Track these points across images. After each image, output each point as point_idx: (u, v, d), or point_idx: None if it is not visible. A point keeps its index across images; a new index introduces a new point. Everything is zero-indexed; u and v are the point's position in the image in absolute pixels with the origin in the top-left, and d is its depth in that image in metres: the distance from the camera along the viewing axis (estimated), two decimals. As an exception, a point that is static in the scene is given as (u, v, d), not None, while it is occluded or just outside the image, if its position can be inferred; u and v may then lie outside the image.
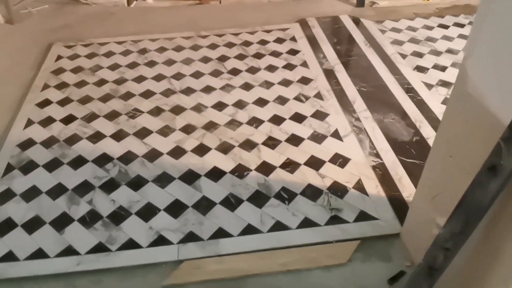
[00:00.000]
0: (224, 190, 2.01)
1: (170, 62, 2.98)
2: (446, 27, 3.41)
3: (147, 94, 2.66)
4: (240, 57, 3.04)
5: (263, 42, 3.21)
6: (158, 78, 2.81)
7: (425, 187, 1.56)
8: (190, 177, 2.09)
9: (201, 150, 2.24)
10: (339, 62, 2.96)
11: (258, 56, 3.05)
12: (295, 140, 2.30)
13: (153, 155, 2.22)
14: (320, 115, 2.47)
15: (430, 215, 1.53)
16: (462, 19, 3.52)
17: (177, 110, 2.53)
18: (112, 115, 2.49)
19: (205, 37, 3.28)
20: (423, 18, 3.54)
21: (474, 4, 3.76)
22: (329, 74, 2.83)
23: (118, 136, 2.34)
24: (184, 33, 3.33)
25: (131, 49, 3.13)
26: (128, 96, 2.65)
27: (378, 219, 1.87)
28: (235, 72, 2.87)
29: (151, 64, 2.96)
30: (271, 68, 2.91)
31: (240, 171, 2.11)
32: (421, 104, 2.56)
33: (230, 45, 3.18)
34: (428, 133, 2.34)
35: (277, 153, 2.21)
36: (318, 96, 2.63)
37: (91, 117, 2.47)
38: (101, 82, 2.78)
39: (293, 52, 3.09)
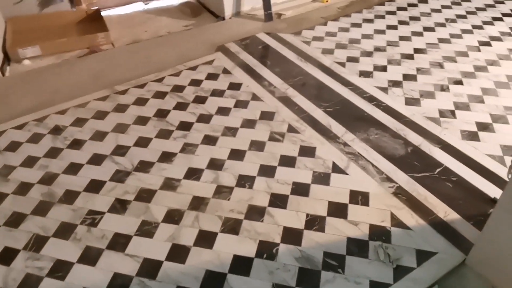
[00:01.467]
0: (265, 283, 1.62)
1: (100, 135, 2.37)
2: (359, 25, 3.46)
3: (95, 186, 2.05)
4: (181, 106, 2.59)
5: (195, 83, 2.81)
6: (97, 160, 2.21)
7: (511, 210, 1.44)
8: (213, 281, 1.64)
9: (205, 239, 1.80)
10: (288, 86, 2.73)
11: (200, 100, 2.64)
12: (301, 189, 2.01)
13: (150, 268, 1.69)
14: (307, 151, 2.22)
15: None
16: (367, 14, 3.63)
17: (145, 195, 2.00)
18: (65, 230, 1.84)
19: (124, 92, 2.73)
20: (333, 21, 3.54)
21: (368, -2, 3.93)
22: (287, 102, 2.60)
23: (88, 257, 1.73)
24: (96, 93, 2.71)
25: (39, 131, 2.41)
26: (70, 196, 2.00)
27: (437, 253, 1.72)
28: (185, 126, 2.43)
29: (76, 144, 2.32)
30: (223, 111, 2.54)
31: (266, 250, 1.74)
32: (389, 111, 2.51)
33: (160, 94, 2.70)
34: (416, 139, 2.29)
35: (293, 212, 1.90)
36: (292, 129, 2.37)
37: (37, 243, 1.79)
38: (23, 188, 2.06)
39: (235, 86, 2.76)
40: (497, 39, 3.24)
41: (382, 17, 3.58)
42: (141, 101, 2.64)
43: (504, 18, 3.54)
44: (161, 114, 2.53)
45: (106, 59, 3.13)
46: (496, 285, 1.60)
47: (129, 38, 3.48)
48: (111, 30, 3.43)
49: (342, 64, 2.96)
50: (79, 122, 2.47)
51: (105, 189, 2.03)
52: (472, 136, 2.31)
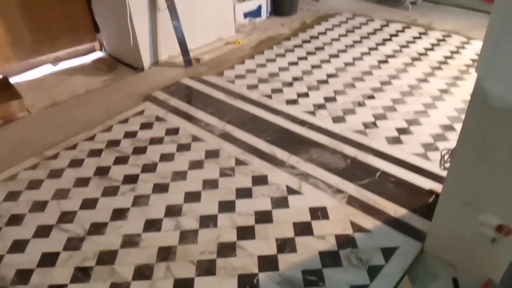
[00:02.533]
0: (255, 314, 1.63)
1: (39, 206, 2.19)
2: (273, 60, 3.73)
3: (49, 260, 1.88)
4: (121, 160, 2.52)
5: (130, 135, 2.76)
6: (43, 232, 2.03)
7: (454, 196, 1.66)
8: (203, 325, 1.60)
9: (183, 287, 1.75)
10: (225, 123, 2.82)
11: (140, 151, 2.60)
12: (264, 217, 2.07)
13: (132, 330, 1.59)
14: (260, 180, 2.30)
15: (465, 217, 1.64)
16: (278, 50, 3.92)
17: (107, 257, 1.89)
18: (24, 316, 1.65)
19: (55, 157, 2.57)
20: (250, 59, 3.76)
21: (274, 35, 4.27)
22: (228, 138, 2.67)
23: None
24: (24, 162, 2.51)
25: (-35, 214, 2.15)
26: (23, 275, 1.81)
27: (398, 247, 1.88)
28: (131, 179, 2.36)
29: (15, 220, 2.11)
30: (167, 157, 2.52)
31: (247, 282, 1.75)
32: (322, 131, 2.72)
33: (95, 152, 2.60)
34: (351, 151, 2.51)
35: (262, 240, 1.94)
36: (240, 162, 2.45)
37: None
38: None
39: (172, 131, 2.77)
40: (392, 56, 3.73)
41: (292, 50, 3.91)
42: (76, 163, 2.51)
43: (392, 38, 4.09)
44: (102, 171, 2.44)
45: (26, 126, 2.94)
46: (454, 262, 1.80)
47: (45, 102, 3.31)
48: (23, 96, 3.23)
49: (269, 96, 3.15)
50: (12, 196, 2.26)
51: (61, 260, 1.88)
52: (396, 141, 2.60)
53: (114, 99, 3.22)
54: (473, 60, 3.56)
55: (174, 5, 3.50)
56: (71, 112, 3.08)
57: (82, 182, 2.36)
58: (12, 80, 3.56)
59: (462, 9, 4.79)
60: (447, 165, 1.78)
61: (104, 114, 3.01)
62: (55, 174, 2.42)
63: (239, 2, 4.50)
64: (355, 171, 2.35)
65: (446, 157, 1.90)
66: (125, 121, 2.92)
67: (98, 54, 4.11)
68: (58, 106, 3.20)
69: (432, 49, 3.82)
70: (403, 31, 4.26)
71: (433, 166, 2.34)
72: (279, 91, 3.22)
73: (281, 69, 3.57)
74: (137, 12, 3.41)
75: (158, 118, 2.92)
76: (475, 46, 3.85)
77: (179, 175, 2.37)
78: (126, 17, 3.39)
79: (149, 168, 2.45)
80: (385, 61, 3.63)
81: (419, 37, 4.09)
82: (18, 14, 3.57)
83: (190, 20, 3.77)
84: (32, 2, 3.59)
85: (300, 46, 4.00)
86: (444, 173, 1.78)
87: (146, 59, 3.65)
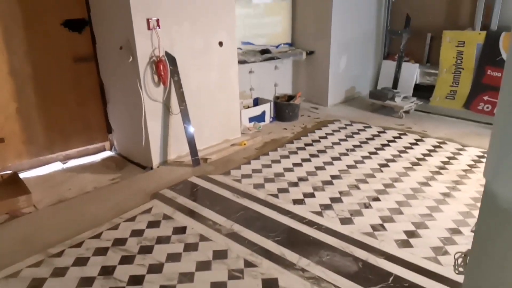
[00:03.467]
0: None
1: (38, 307, 2.09)
2: (278, 161, 3.86)
3: None
4: (126, 260, 2.46)
5: (137, 233, 2.73)
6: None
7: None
8: None
9: None
10: (232, 222, 2.82)
11: (146, 250, 2.55)
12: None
13: None
14: (270, 284, 2.23)
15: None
16: (282, 152, 4.09)
17: None
18: None
19: (60, 255, 2.51)
20: (255, 160, 3.90)
21: (278, 138, 4.48)
22: (236, 238, 2.65)
23: None
24: (28, 259, 2.44)
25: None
26: None
27: None
28: (136, 280, 2.28)
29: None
30: (173, 257, 2.47)
31: None
32: (330, 232, 2.71)
33: (100, 251, 2.54)
34: (362, 254, 2.48)
35: None
36: (248, 264, 2.39)
37: None
38: None
39: (180, 230, 2.75)
40: (392, 160, 3.88)
41: (295, 152, 4.07)
42: (81, 261, 2.45)
43: (390, 143, 4.30)
44: (107, 271, 2.36)
45: (32, 222, 2.92)
46: None
47: (52, 198, 3.33)
48: (31, 192, 3.26)
49: (275, 195, 3.20)
50: (12, 296, 2.16)
51: None
52: (405, 244, 2.59)
53: (122, 197, 3.25)
54: (470, 166, 3.71)
55: (186, 109, 3.74)
56: (78, 209, 3.09)
57: (86, 281, 2.27)
58: (22, 175, 3.62)
59: (452, 118, 5.12)
60: (461, 269, 1.76)
61: (111, 212, 3.01)
62: (59, 272, 2.34)
63: (245, 108, 4.81)
64: (367, 274, 2.30)
65: (459, 260, 1.89)
66: (133, 219, 2.91)
67: (107, 153, 4.25)
68: (65, 202, 3.21)
69: (429, 155, 3.99)
70: (399, 137, 4.50)
71: (446, 270, 2.29)
72: (285, 190, 3.28)
73: (286, 169, 3.68)
74: (151, 116, 3.63)
75: (165, 216, 2.92)
76: (470, 153, 4.03)
77: (186, 277, 2.30)
78: (141, 120, 3.59)
79: (155, 268, 2.38)
80: (386, 165, 3.77)
81: (416, 144, 4.30)
82: (35, 114, 3.79)
83: (199, 123, 3.99)
84: (50, 103, 3.83)
85: (303, 148, 4.18)
86: (458, 278, 1.75)
87: (156, 159, 3.77)
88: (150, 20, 3.40)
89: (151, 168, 3.76)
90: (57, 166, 3.96)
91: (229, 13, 4.03)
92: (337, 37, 5.41)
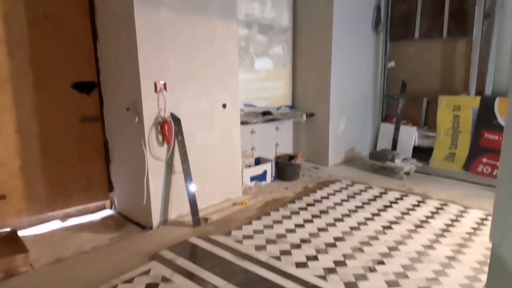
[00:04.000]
0: None
1: None
2: (280, 222, 3.82)
3: None
4: (123, 325, 2.35)
5: (135, 296, 2.64)
6: None
7: None
8: None
9: None
10: (233, 286, 2.73)
11: (144, 314, 2.45)
12: None
13: None
14: None
15: None
16: (284, 212, 4.06)
17: None
18: None
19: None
20: (257, 220, 3.86)
21: (279, 197, 4.47)
22: (237, 303, 2.56)
23: None
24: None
25: None
26: None
27: None
28: None
29: None
30: (172, 323, 2.37)
31: None
32: (334, 297, 2.63)
33: (96, 315, 2.45)
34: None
35: None
36: (250, 331, 2.29)
37: None
38: None
39: (179, 293, 2.66)
40: (395, 222, 3.84)
41: (297, 213, 4.05)
42: (75, 326, 2.34)
43: (392, 204, 4.29)
44: (101, 337, 2.25)
45: (27, 282, 2.83)
46: None
47: (50, 257, 3.25)
48: (29, 250, 3.19)
49: (278, 258, 3.13)
50: None
51: None
52: (413, 310, 2.50)
53: (121, 257, 3.18)
54: (473, 228, 3.67)
55: (189, 168, 3.78)
56: (75, 269, 3.01)
57: None
58: (20, 233, 3.57)
59: (453, 179, 5.15)
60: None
61: (109, 273, 2.93)
62: (50, 339, 2.23)
63: (247, 167, 4.85)
64: None
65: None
66: (130, 280, 2.82)
67: (107, 212, 4.21)
68: (62, 262, 3.13)
69: (432, 217, 3.96)
70: (401, 198, 4.49)
71: None
72: (287, 253, 3.22)
73: (288, 230, 3.63)
74: (153, 174, 3.66)
75: (164, 279, 2.84)
76: (473, 215, 4.01)
77: None
78: (143, 178, 3.61)
79: (153, 334, 2.27)
80: (389, 227, 3.73)
81: (418, 205, 4.29)
82: (38, 171, 3.81)
83: (201, 182, 4.00)
84: (54, 161, 3.87)
85: (305, 208, 4.15)
86: None
87: (156, 218, 3.73)
88: (157, 84, 3.54)
89: (151, 228, 3.71)
90: (56, 224, 3.92)
91: (232, 78, 4.21)
92: (336, 100, 5.60)
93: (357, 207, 4.23)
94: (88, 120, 3.99)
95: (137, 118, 3.53)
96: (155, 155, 3.66)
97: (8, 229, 3.56)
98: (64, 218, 4.01)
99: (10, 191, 3.68)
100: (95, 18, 3.85)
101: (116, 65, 3.73)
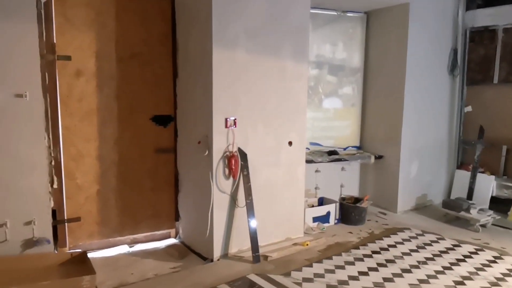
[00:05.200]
0: None
1: None
2: (342, 267, 3.67)
3: None
4: None
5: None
6: None
7: None
8: None
9: None
10: (291, 331, 2.64)
11: None
12: None
13: None
14: None
15: None
16: (347, 257, 3.90)
17: None
18: None
19: None
20: (318, 263, 3.74)
21: (342, 242, 4.31)
22: None
23: None
24: None
25: None
26: None
27: None
28: None
29: None
30: None
31: None
32: None
33: None
34: None
35: None
36: None
37: None
38: None
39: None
40: (468, 278, 3.51)
41: (361, 259, 3.86)
42: None
43: (466, 259, 3.93)
44: None
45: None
46: None
47: (115, 281, 3.39)
48: (96, 272, 3.35)
49: (338, 306, 2.98)
50: None
51: None
52: None
53: None
54: None
55: (252, 203, 3.81)
56: (138, 295, 3.10)
57: None
58: (90, 255, 3.77)
59: (539, 237, 4.62)
60: None
61: (169, 302, 2.98)
62: None
63: (309, 207, 4.77)
64: None
65: None
66: (189, 312, 2.84)
67: (172, 241, 4.34)
68: (126, 287, 3.25)
69: (510, 275, 3.57)
70: (476, 253, 4.11)
71: None
72: (349, 302, 3.06)
73: (350, 277, 3.46)
74: (218, 206, 3.73)
75: (222, 314, 2.82)
76: None
77: None
78: (208, 211, 3.70)
79: None
80: (462, 283, 3.41)
81: (495, 261, 3.89)
82: (112, 197, 4.06)
83: (263, 218, 3.99)
84: (127, 188, 4.10)
85: (369, 256, 3.95)
86: None
87: (217, 251, 3.77)
88: (228, 119, 3.68)
89: (212, 260, 3.74)
90: (123, 249, 4.10)
91: (300, 116, 4.25)
92: (408, 143, 5.38)
93: (427, 258, 3.94)
94: (162, 151, 4.23)
95: (207, 151, 3.68)
96: (220, 188, 3.75)
97: (79, 250, 3.79)
98: (131, 243, 4.19)
99: (85, 214, 3.95)
100: (176, 57, 4.15)
101: (192, 100, 3.95)
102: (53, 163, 3.62)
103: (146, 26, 4.02)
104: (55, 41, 3.57)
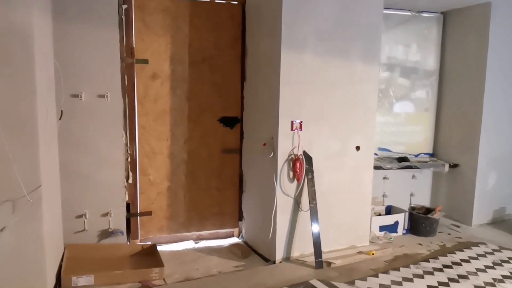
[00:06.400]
0: None
1: None
2: (410, 279, 3.49)
3: None
4: None
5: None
6: None
7: None
8: None
9: None
10: None
11: None
12: None
13: None
14: None
15: None
16: (415, 270, 3.70)
17: None
18: None
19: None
20: (384, 273, 3.60)
21: (411, 253, 4.10)
22: None
23: None
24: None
25: None
26: None
27: None
28: None
29: None
30: None
31: None
32: None
33: None
34: None
35: None
36: None
37: None
38: None
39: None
40: (557, 305, 3.16)
41: (431, 273, 3.64)
42: None
43: (555, 283, 3.55)
44: None
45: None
46: None
47: (180, 275, 3.53)
48: (164, 265, 3.51)
49: (405, 321, 2.84)
50: None
51: None
52: None
53: (242, 287, 3.27)
54: None
55: (316, 208, 3.76)
56: (202, 290, 3.20)
57: None
58: (159, 248, 3.96)
59: None
60: None
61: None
62: None
63: (376, 215, 4.60)
64: None
65: None
66: (251, 312, 2.88)
67: (235, 240, 4.42)
68: (191, 282, 3.37)
69: None
70: None
71: None
72: (417, 317, 2.90)
73: (418, 292, 3.28)
74: (281, 209, 3.74)
75: (283, 317, 2.82)
76: None
77: None
78: (271, 213, 3.72)
79: None
80: (550, 309, 3.08)
81: None
82: (181, 194, 4.24)
83: (326, 224, 3.92)
84: (195, 186, 4.26)
85: (440, 270, 3.71)
86: None
87: (279, 253, 3.77)
88: (294, 122, 3.68)
89: (274, 262, 3.75)
90: (190, 244, 4.26)
91: (369, 120, 4.11)
92: (487, 152, 4.98)
93: (504, 276, 3.61)
94: (228, 152, 4.33)
95: (272, 153, 3.70)
96: (284, 190, 3.74)
97: (149, 243, 4.00)
98: (197, 239, 4.34)
99: (156, 208, 4.16)
100: (245, 61, 4.23)
101: (259, 103, 4.00)
102: (129, 159, 3.87)
103: (217, 30, 4.14)
104: (134, 45, 3.81)
